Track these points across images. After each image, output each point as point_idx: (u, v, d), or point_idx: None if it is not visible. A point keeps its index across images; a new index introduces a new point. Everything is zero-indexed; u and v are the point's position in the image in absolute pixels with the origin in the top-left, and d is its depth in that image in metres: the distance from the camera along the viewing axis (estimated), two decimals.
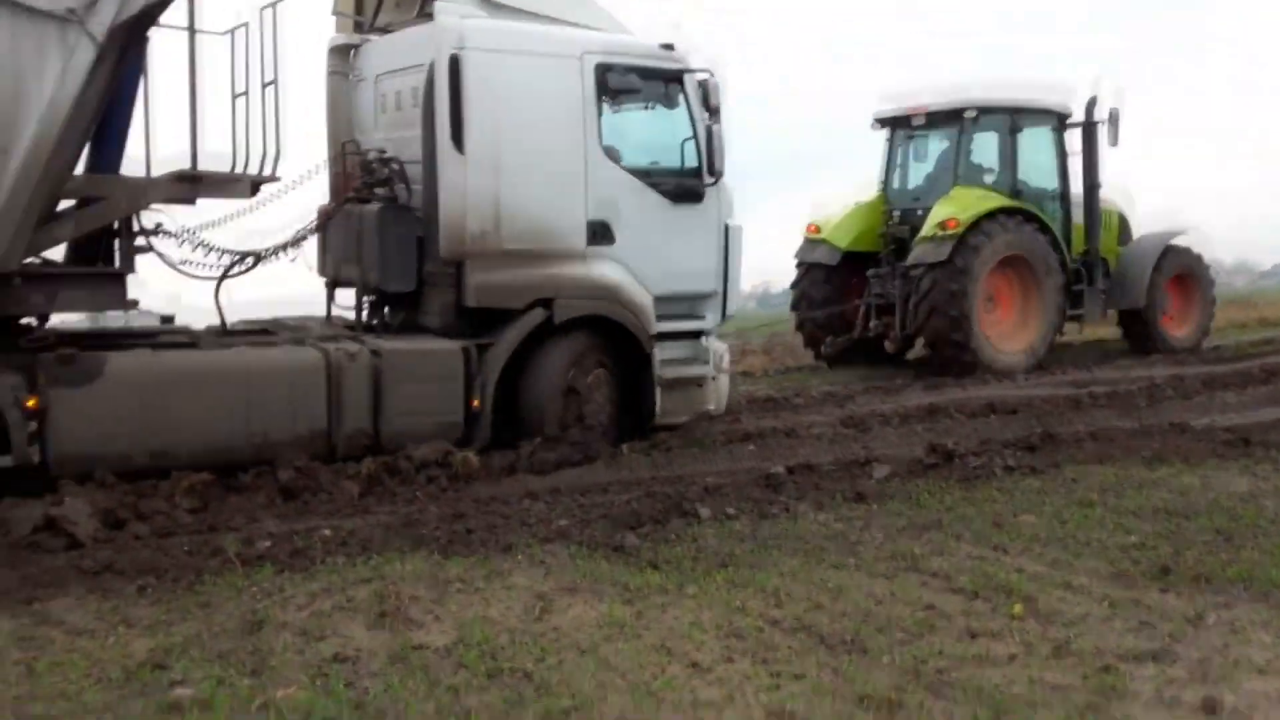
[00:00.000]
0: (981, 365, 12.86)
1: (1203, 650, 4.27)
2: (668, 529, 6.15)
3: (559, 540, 5.95)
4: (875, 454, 8.03)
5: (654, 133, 9.20)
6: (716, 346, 9.31)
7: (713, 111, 8.86)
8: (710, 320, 9.28)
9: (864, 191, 14.91)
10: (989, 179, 13.96)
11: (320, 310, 9.19)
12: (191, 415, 7.13)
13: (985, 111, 13.89)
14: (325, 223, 8.65)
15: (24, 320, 7.30)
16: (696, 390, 9.10)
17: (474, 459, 7.66)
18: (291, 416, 7.42)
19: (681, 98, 8.93)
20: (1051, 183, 14.36)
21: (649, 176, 8.88)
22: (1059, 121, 14.48)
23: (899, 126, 14.70)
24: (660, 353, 8.82)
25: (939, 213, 13.15)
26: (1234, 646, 4.30)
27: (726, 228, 9.22)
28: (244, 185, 7.73)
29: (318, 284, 9.17)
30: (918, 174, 14.78)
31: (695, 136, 8.96)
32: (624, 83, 8.60)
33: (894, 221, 14.35)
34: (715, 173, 8.97)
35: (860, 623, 4.65)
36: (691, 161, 9.02)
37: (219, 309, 8.07)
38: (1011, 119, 14.00)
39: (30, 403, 6.74)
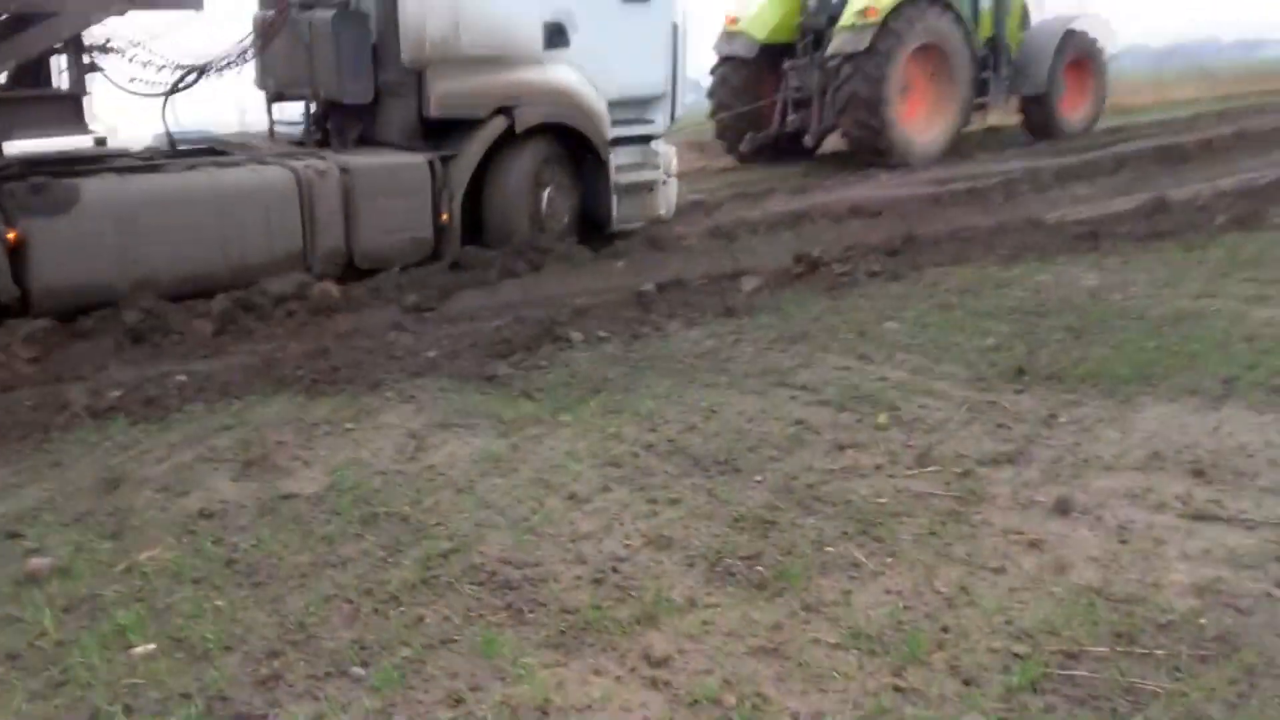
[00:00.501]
0: (897, 155, 13.09)
1: (1055, 450, 4.48)
2: (539, 355, 6.09)
3: (429, 373, 5.83)
4: (743, 265, 8.06)
5: None
6: (665, 150, 9.32)
7: None
8: (660, 124, 9.27)
9: None
10: None
11: (245, 127, 9.02)
12: (169, 240, 7.02)
13: None
14: (272, 32, 8.11)
15: None
16: (648, 195, 9.14)
17: (334, 290, 7.39)
18: (267, 237, 7.35)
19: None
20: None
21: None
22: None
23: None
24: (614, 158, 8.81)
25: (858, 0, 13.03)
26: (1084, 445, 4.52)
27: (674, 27, 9.11)
28: None
29: (234, 100, 8.82)
30: None
31: None
32: None
33: (811, 11, 14.13)
34: None
35: (733, 442, 4.72)
36: None
37: (166, 127, 7.92)
38: None
39: (10, 235, 6.62)
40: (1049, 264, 7.77)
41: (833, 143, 14.48)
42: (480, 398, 5.44)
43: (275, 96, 8.97)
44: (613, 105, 8.77)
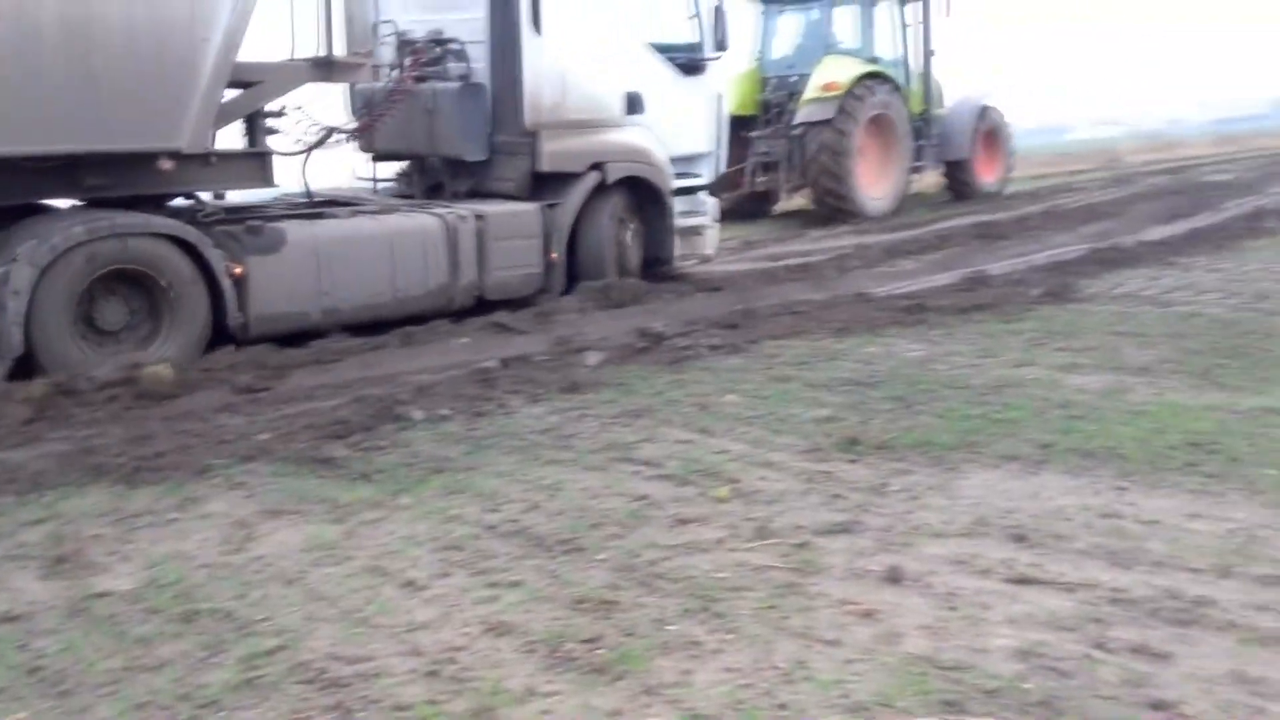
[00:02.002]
0: (856, 210, 15.33)
1: (887, 519, 4.61)
2: (378, 436, 5.95)
3: (260, 457, 5.61)
4: (588, 340, 8.09)
5: (667, 12, 10.69)
6: (709, 200, 11.06)
7: None
8: (707, 176, 11.00)
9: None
10: (849, 48, 16.18)
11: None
12: (352, 275, 8.26)
13: None
14: (399, 99, 9.28)
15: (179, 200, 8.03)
16: (697, 238, 10.83)
17: (166, 372, 7.06)
18: (424, 273, 8.68)
19: None
20: (895, 51, 16.76)
21: (667, 52, 10.46)
22: None
23: (772, 2, 16.83)
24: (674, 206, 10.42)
25: (820, 77, 15.49)
26: (914, 512, 4.66)
27: (719, 96, 11.01)
28: (367, 69, 8.76)
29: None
30: (788, 45, 16.89)
31: (699, 15, 10.57)
32: None
33: (771, 88, 16.43)
34: (722, 47, 10.77)
35: (576, 520, 4.69)
36: (697, 37, 10.63)
37: (305, 182, 9.06)
38: None
39: (237, 270, 7.70)
40: (878, 336, 8.07)
41: (791, 203, 16.69)
42: (315, 482, 5.26)
43: (379, 157, 10.23)
44: (673, 160, 10.43)
